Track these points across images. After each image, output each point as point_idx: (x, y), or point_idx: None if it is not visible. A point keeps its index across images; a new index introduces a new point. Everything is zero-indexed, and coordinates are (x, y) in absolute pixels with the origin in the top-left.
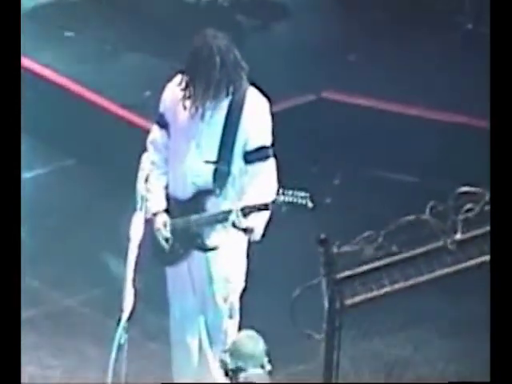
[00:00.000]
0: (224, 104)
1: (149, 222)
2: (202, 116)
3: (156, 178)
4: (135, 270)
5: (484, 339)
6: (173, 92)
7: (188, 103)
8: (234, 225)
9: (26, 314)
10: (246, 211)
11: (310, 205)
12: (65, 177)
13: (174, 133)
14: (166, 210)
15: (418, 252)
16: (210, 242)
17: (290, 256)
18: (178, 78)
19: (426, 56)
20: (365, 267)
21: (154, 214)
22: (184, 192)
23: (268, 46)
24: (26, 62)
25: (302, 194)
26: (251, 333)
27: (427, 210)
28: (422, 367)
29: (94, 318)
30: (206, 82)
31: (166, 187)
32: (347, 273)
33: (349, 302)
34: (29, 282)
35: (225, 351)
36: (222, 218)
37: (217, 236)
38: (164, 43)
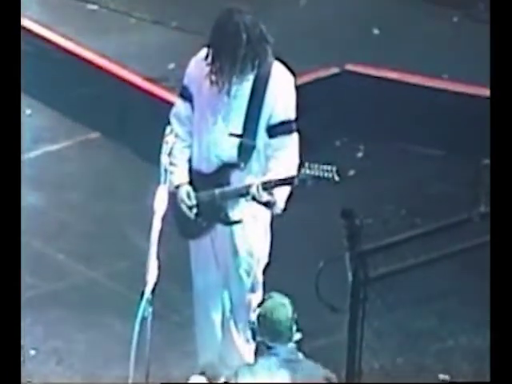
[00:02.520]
0: (249, 78)
1: (172, 196)
2: (228, 90)
3: (179, 150)
4: (159, 243)
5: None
6: (198, 66)
7: (214, 77)
8: (254, 198)
9: (50, 287)
10: (268, 185)
11: (336, 178)
12: (89, 150)
13: (199, 106)
14: (190, 183)
15: (442, 225)
16: (233, 216)
17: (313, 229)
18: (203, 52)
19: (453, 28)
20: (388, 240)
21: (177, 187)
22: (208, 165)
23: (292, 19)
24: (49, 34)
25: (328, 167)
26: (283, 299)
27: (450, 183)
28: (446, 340)
29: (118, 290)
30: (233, 58)
31: (190, 160)
32: (371, 245)
33: (373, 274)
34: (53, 255)
35: (253, 320)
36: (245, 191)
37: (240, 210)
38: (188, 16)
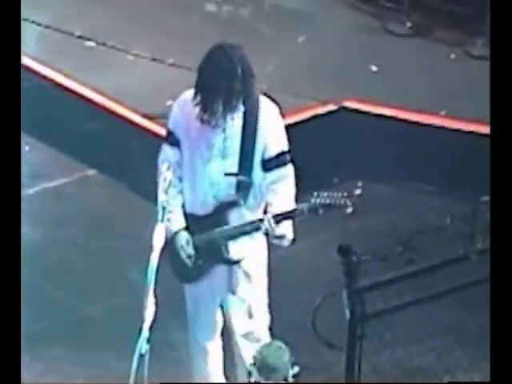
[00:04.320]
0: (240, 114)
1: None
2: (220, 128)
3: (172, 196)
4: (156, 280)
5: None
6: (182, 108)
7: (206, 116)
8: (266, 233)
9: (48, 323)
10: (279, 218)
11: (349, 204)
12: (87, 187)
13: (189, 149)
14: (186, 228)
15: (440, 261)
16: (236, 254)
17: (311, 266)
18: (186, 94)
19: (450, 65)
20: (386, 277)
21: (175, 233)
22: (204, 207)
23: (289, 56)
24: (47, 71)
25: (339, 194)
26: (277, 344)
27: (448, 220)
28: (444, 377)
29: (116, 327)
30: (228, 93)
31: (183, 205)
32: (368, 282)
33: (370, 311)
34: (51, 291)
35: (251, 363)
36: (252, 228)
37: (241, 248)
38: (185, 53)
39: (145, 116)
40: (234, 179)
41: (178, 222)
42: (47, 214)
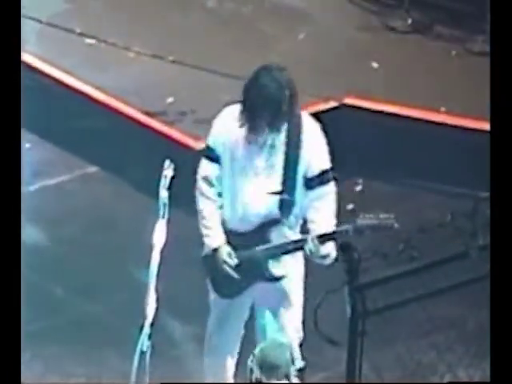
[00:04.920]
0: (283, 133)
1: (209, 259)
2: (263, 147)
3: (211, 212)
4: (158, 276)
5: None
6: (225, 126)
7: (253, 136)
8: (310, 253)
9: (49, 322)
10: (324, 239)
11: (395, 226)
12: (88, 184)
13: (230, 166)
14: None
15: (441, 258)
16: (277, 272)
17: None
18: (229, 111)
19: (451, 62)
20: (387, 273)
21: (215, 249)
22: (244, 224)
23: (290, 53)
24: (47, 68)
25: (385, 215)
26: (279, 341)
27: (448, 217)
28: (445, 373)
29: (117, 324)
30: (274, 116)
31: (222, 221)
32: (370, 279)
33: (371, 308)
34: (52, 289)
35: (251, 359)
36: (295, 247)
37: (283, 265)
38: (187, 50)
39: (146, 113)
40: (277, 197)
41: (218, 237)
42: (48, 212)
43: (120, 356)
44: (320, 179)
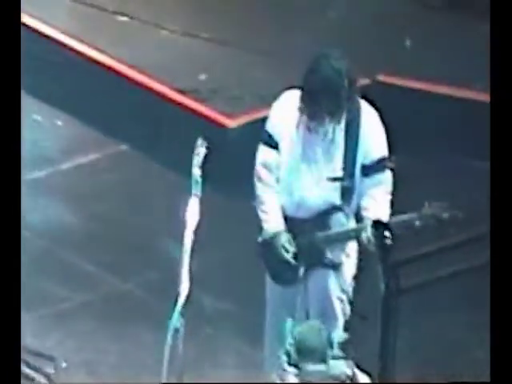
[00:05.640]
0: (342, 120)
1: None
2: (326, 136)
3: (270, 198)
4: (191, 254)
5: None
6: (284, 112)
7: (313, 124)
8: (368, 241)
9: (81, 298)
10: (386, 228)
11: (460, 215)
12: (119, 162)
13: (290, 153)
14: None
15: (474, 235)
16: (337, 259)
17: None
18: (289, 96)
19: (482, 38)
20: (421, 250)
21: (275, 234)
22: (302, 211)
23: (323, 30)
24: (79, 46)
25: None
26: (317, 325)
27: (483, 194)
28: (477, 350)
29: (149, 301)
30: (335, 105)
31: (280, 207)
32: (403, 256)
33: (404, 284)
34: (85, 266)
35: (289, 343)
36: (355, 234)
37: (341, 251)
38: (218, 27)
39: (178, 90)
40: (337, 184)
41: (276, 223)
42: (81, 190)
43: (153, 333)
44: (377, 167)
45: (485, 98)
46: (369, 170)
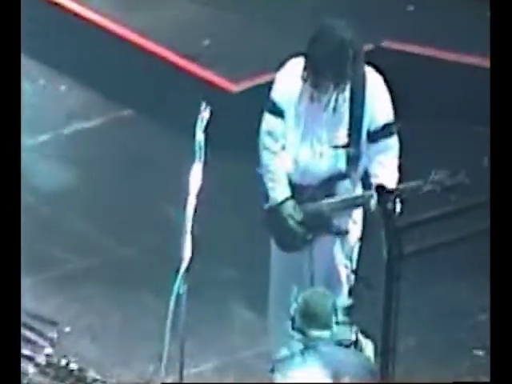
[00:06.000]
0: (347, 88)
1: (271, 212)
2: (330, 105)
3: (276, 166)
4: (194, 220)
5: None
6: (289, 81)
7: (316, 94)
8: (376, 207)
9: (84, 263)
10: (395, 194)
11: (466, 181)
12: (122, 126)
13: (295, 121)
14: (292, 197)
15: (477, 201)
16: (343, 226)
17: None
18: (293, 64)
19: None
20: (423, 216)
21: (281, 203)
22: (308, 178)
23: None
24: (82, 10)
25: (454, 173)
26: (321, 290)
27: (486, 159)
28: (479, 315)
29: (152, 266)
30: (339, 75)
31: (287, 174)
32: (406, 221)
33: (407, 250)
34: (88, 230)
35: (294, 308)
36: (362, 201)
37: (347, 218)
38: None
39: (182, 55)
40: (343, 151)
41: (283, 191)
42: (84, 154)
43: (156, 298)
44: (383, 132)
45: (486, 63)
46: (375, 136)
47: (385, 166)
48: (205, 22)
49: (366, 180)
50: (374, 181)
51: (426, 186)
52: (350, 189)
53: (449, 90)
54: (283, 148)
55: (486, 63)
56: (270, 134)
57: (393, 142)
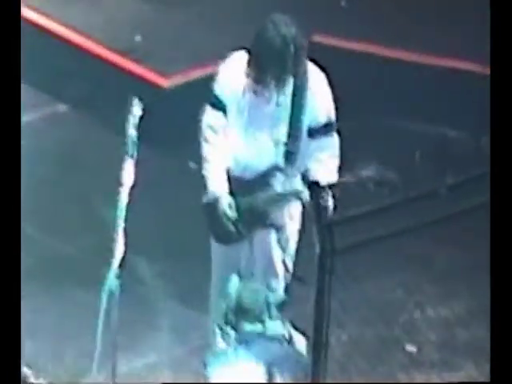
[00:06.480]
0: (290, 84)
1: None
2: (272, 100)
3: (215, 159)
4: (126, 217)
5: (471, 285)
6: (232, 75)
7: (259, 89)
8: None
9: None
10: (325, 190)
11: (394, 180)
12: (56, 122)
13: (236, 115)
14: (229, 192)
15: (410, 196)
16: (278, 220)
17: None
18: (236, 58)
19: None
20: (356, 211)
21: (218, 197)
22: (249, 172)
23: None
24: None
25: (384, 168)
26: (254, 285)
27: (417, 155)
28: (413, 311)
29: (86, 264)
30: (281, 71)
31: (226, 169)
32: (338, 217)
33: (340, 246)
34: (23, 228)
35: (226, 303)
36: (296, 196)
37: (283, 213)
38: None
39: (114, 51)
40: (282, 147)
41: (220, 185)
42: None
43: (90, 295)
44: (324, 130)
45: (419, 58)
46: (315, 133)
47: (322, 162)
48: (137, 18)
49: (305, 175)
50: (312, 177)
51: (357, 182)
52: (286, 184)
53: (383, 87)
54: (224, 142)
55: (420, 58)
56: (210, 127)
57: (332, 140)
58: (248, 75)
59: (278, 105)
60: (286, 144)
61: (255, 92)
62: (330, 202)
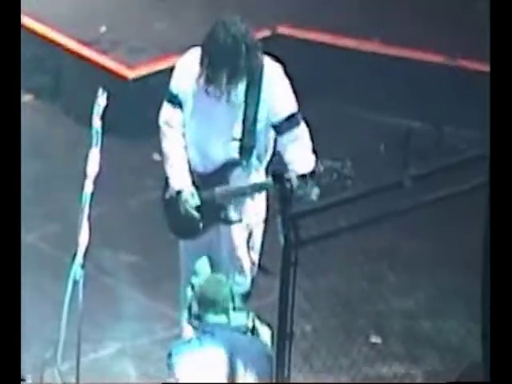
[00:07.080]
0: (244, 81)
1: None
2: (223, 97)
3: (175, 154)
4: (91, 205)
5: (435, 277)
6: (187, 72)
7: (211, 88)
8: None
9: None
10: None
11: (352, 173)
12: (22, 112)
13: (193, 111)
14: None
15: (374, 187)
16: (235, 215)
17: None
18: (191, 56)
19: None
20: (320, 202)
21: (178, 192)
22: (206, 166)
23: None
24: None
25: (336, 162)
26: (218, 277)
27: (382, 146)
28: (377, 302)
29: (51, 253)
30: (232, 70)
31: (187, 162)
32: (303, 208)
33: (304, 237)
34: None
35: (190, 295)
36: (254, 190)
37: (242, 208)
38: None
39: (79, 41)
40: (236, 142)
41: (182, 179)
42: None
43: (54, 284)
44: (288, 123)
45: (382, 49)
46: (281, 128)
47: (296, 153)
48: (102, 9)
49: (269, 169)
50: (290, 168)
51: (322, 174)
52: (242, 178)
53: (349, 79)
54: (183, 136)
55: (384, 49)
56: (167, 123)
57: (300, 130)
58: (200, 75)
59: (230, 102)
60: (240, 140)
61: (207, 91)
62: (316, 191)
